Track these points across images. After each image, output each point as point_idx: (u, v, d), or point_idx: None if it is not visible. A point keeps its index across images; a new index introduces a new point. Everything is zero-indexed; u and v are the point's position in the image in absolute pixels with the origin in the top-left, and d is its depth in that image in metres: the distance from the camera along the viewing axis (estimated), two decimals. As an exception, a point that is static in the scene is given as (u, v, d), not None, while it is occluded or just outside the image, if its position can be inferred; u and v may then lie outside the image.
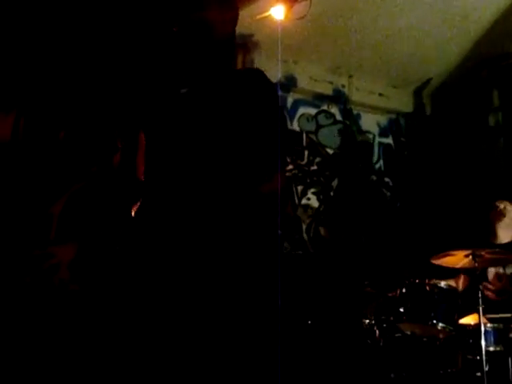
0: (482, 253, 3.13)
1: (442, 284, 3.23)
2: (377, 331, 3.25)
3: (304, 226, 4.84)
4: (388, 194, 5.33)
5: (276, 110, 1.70)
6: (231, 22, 1.82)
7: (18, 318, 2.70)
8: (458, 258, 3.20)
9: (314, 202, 4.96)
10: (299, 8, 3.77)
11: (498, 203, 3.68)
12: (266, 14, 3.52)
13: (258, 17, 3.45)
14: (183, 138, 1.74)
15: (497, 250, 3.25)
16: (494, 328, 3.11)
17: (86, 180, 3.30)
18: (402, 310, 3.16)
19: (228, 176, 1.63)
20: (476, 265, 3.13)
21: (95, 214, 3.15)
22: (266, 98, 1.71)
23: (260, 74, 1.76)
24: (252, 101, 1.68)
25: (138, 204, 2.22)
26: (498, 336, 3.10)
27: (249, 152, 1.63)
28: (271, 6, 3.67)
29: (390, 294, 3.30)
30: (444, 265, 3.32)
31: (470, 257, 3.14)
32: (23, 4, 3.55)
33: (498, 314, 3.27)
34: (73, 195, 3.30)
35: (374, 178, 5.32)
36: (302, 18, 3.76)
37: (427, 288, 3.18)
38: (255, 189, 1.62)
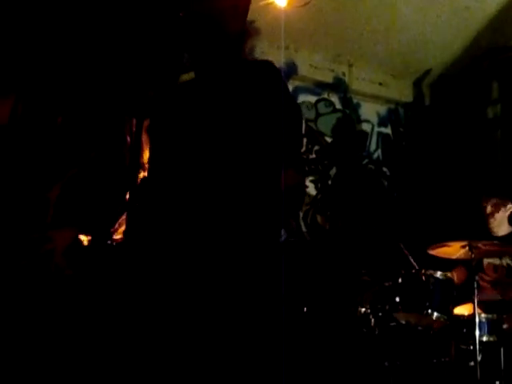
0: (479, 244, 3.15)
1: (438, 274, 3.25)
2: (372, 320, 3.28)
3: (301, 214, 4.86)
4: (385, 183, 5.34)
5: (290, 104, 1.66)
6: (242, 15, 1.74)
7: (13, 301, 2.70)
8: (455, 249, 3.22)
9: (312, 190, 4.97)
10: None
11: (488, 201, 3.70)
12: (270, 0, 3.49)
13: (261, 3, 3.43)
14: (188, 128, 1.71)
15: (493, 241, 3.27)
16: (487, 318, 3.14)
17: (83, 165, 3.29)
18: (397, 299, 3.18)
19: (237, 169, 1.61)
20: (472, 256, 3.15)
21: (92, 198, 3.15)
22: (278, 91, 1.68)
23: (271, 66, 1.72)
24: (264, 94, 1.64)
25: (135, 190, 2.20)
26: (491, 326, 3.14)
27: (258, 146, 1.61)
28: (274, -9, 3.63)
29: (386, 284, 3.32)
30: (440, 255, 3.34)
31: (467, 248, 3.16)
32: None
33: (492, 305, 3.30)
34: (70, 180, 3.29)
35: (372, 167, 5.33)
36: (305, 5, 3.73)
37: (423, 278, 3.21)
38: (276, 183, 1.59)
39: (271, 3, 3.45)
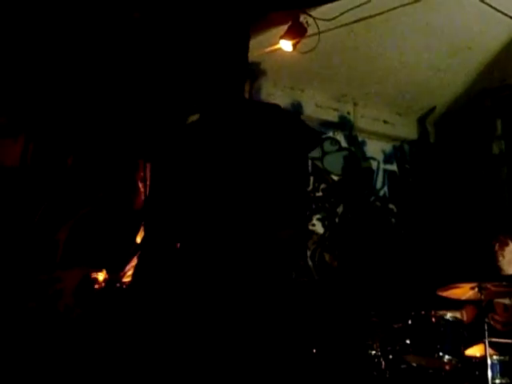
0: (488, 285, 3.13)
1: (448, 316, 3.22)
2: (383, 362, 3.24)
3: (309, 253, 4.85)
4: (393, 220, 5.34)
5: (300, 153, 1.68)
6: None
7: (21, 342, 2.70)
8: (464, 290, 3.20)
9: (319, 228, 4.97)
10: (307, 41, 3.83)
11: (497, 239, 3.67)
12: (276, 47, 3.59)
13: (267, 50, 3.51)
14: (194, 169, 1.73)
15: (502, 283, 3.24)
16: (499, 360, 3.09)
17: (92, 205, 3.32)
18: (408, 341, 3.15)
19: (242, 217, 1.63)
20: (482, 297, 3.13)
21: (101, 239, 3.17)
22: (290, 140, 1.69)
23: (280, 110, 1.73)
24: (274, 142, 1.66)
25: (143, 232, 2.22)
26: (503, 368, 3.08)
27: (267, 194, 1.63)
28: (280, 38, 3.74)
29: (395, 326, 3.29)
30: (450, 296, 3.32)
31: (476, 289, 3.14)
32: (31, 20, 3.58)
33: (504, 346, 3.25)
34: (79, 220, 3.32)
35: (379, 204, 5.33)
36: (311, 51, 3.81)
37: (433, 320, 3.18)
38: (275, 234, 1.61)
39: (278, 49, 3.54)
